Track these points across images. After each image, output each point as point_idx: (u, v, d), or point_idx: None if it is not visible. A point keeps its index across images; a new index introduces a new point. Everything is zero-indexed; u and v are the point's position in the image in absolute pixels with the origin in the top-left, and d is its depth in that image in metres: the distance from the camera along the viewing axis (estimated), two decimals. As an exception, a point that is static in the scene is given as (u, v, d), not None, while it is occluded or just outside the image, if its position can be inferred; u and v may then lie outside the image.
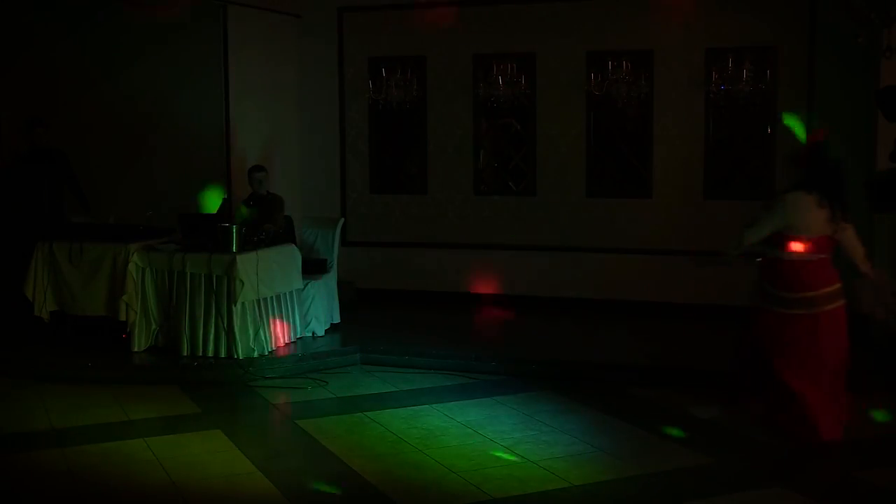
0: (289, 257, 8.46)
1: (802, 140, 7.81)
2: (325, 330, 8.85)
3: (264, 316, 8.07)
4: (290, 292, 8.45)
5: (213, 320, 7.84)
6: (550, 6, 10.06)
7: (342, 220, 9.55)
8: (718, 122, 9.68)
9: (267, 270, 8.02)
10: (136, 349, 8.04)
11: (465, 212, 10.49)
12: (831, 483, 5.56)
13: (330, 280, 9.03)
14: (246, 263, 7.78)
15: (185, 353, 7.91)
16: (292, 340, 8.45)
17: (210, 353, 7.85)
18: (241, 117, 10.12)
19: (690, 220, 9.74)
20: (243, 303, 7.79)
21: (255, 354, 7.90)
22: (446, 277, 10.48)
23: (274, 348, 8.17)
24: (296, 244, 8.89)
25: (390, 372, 7.99)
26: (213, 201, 9.57)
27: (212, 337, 7.85)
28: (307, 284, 8.65)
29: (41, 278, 8.24)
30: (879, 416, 6.62)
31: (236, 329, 7.76)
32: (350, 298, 9.90)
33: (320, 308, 8.80)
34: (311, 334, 8.73)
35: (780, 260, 6.12)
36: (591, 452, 5.97)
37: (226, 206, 9.14)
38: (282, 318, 8.32)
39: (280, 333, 8.31)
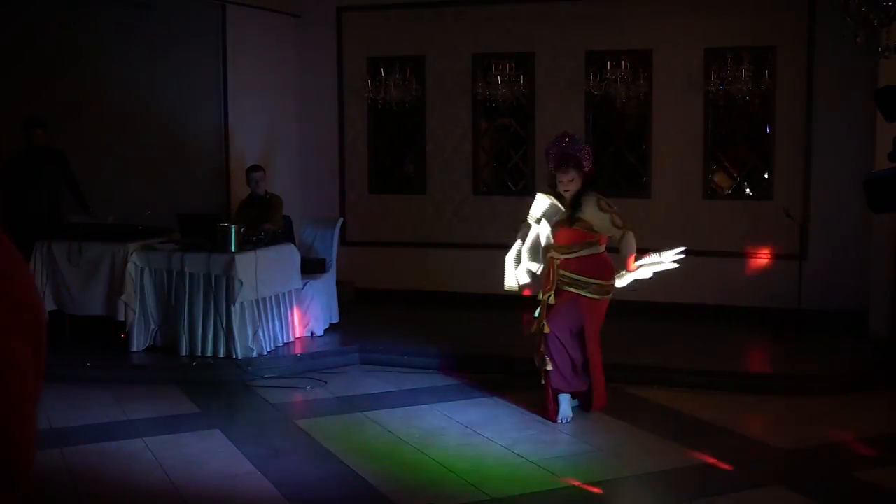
0: (288, 257, 8.45)
1: None
2: (324, 330, 8.85)
3: (263, 316, 8.06)
4: (289, 292, 8.44)
5: (211, 320, 7.83)
6: (549, 6, 10.05)
7: (341, 219, 9.56)
8: (717, 122, 9.68)
9: (266, 270, 8.01)
10: (134, 349, 8.03)
11: (463, 212, 10.49)
12: (831, 483, 5.56)
13: (329, 280, 9.02)
14: (245, 263, 7.77)
15: (184, 353, 7.90)
16: (291, 340, 8.45)
17: (209, 353, 7.85)
18: (239, 117, 10.11)
19: (690, 220, 9.74)
20: (242, 302, 7.78)
21: (254, 354, 7.89)
22: (445, 277, 10.47)
23: (274, 347, 8.17)
24: (295, 244, 8.88)
25: (389, 371, 7.99)
26: None
27: (210, 337, 7.84)
28: (306, 284, 8.64)
29: (40, 278, 8.23)
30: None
31: (235, 329, 7.75)
32: (349, 298, 9.90)
33: (319, 308, 8.79)
34: (310, 334, 8.73)
35: None
36: (590, 452, 5.97)
37: None
38: (280, 318, 8.33)
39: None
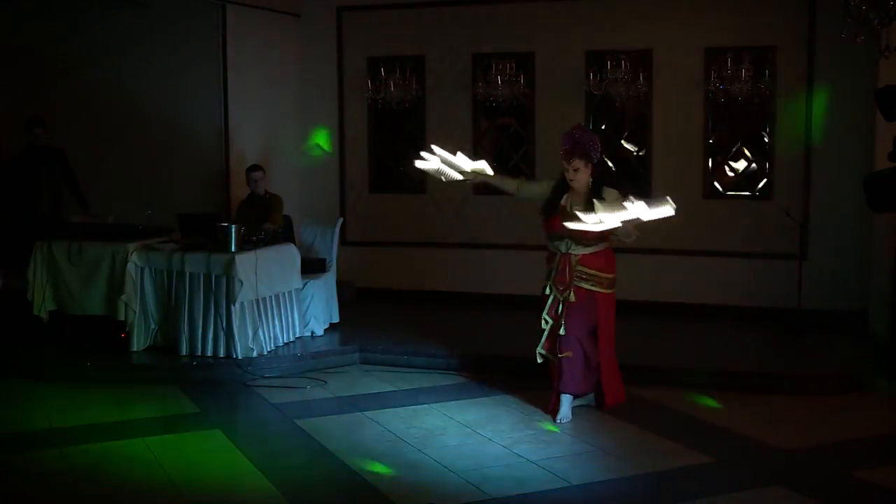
0: (288, 257, 8.45)
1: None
2: (324, 329, 8.85)
3: (263, 316, 8.06)
4: (289, 292, 8.44)
5: (211, 320, 7.83)
6: (549, 5, 10.05)
7: (341, 219, 9.56)
8: (717, 121, 9.68)
9: (266, 270, 8.01)
10: (135, 349, 8.03)
11: (463, 211, 10.49)
12: (831, 483, 5.56)
13: (329, 279, 9.02)
14: (245, 263, 7.77)
15: (184, 353, 7.90)
16: (291, 340, 8.45)
17: (209, 353, 7.85)
18: (239, 117, 10.11)
19: (690, 219, 9.73)
20: (242, 302, 7.78)
21: (254, 354, 7.89)
22: (445, 277, 10.48)
23: (274, 347, 8.17)
24: (295, 244, 8.89)
25: (389, 371, 7.99)
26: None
27: (210, 336, 7.84)
28: (306, 284, 8.64)
29: (40, 278, 8.24)
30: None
31: (235, 329, 7.75)
32: (349, 298, 9.90)
33: (319, 307, 8.80)
34: (310, 334, 8.72)
35: None
36: (590, 452, 5.97)
37: None
38: (280, 318, 8.33)
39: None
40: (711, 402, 7.03)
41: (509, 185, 6.96)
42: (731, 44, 9.44)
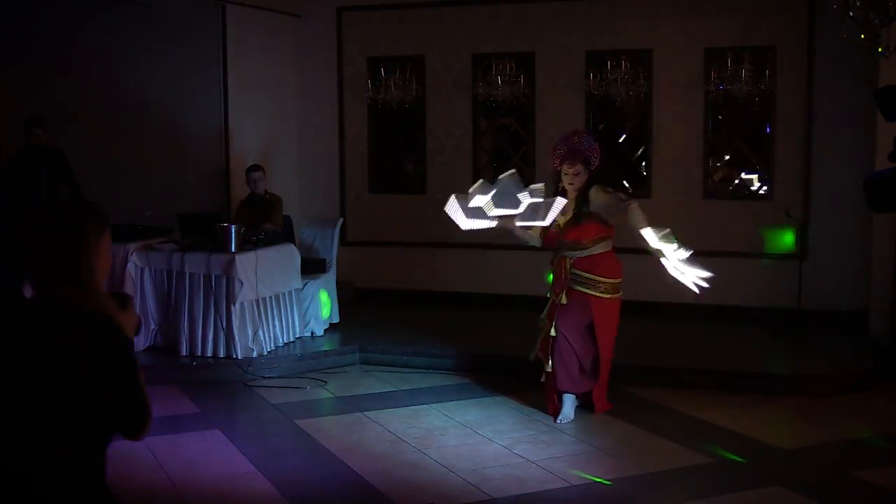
0: (288, 257, 8.45)
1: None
2: (324, 330, 8.85)
3: (263, 316, 8.06)
4: (289, 292, 8.44)
5: (211, 320, 7.83)
6: (549, 6, 10.05)
7: (341, 219, 9.56)
8: (717, 121, 9.68)
9: (266, 270, 8.01)
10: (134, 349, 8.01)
11: (463, 211, 10.47)
12: (831, 483, 5.56)
13: (329, 280, 9.02)
14: (245, 263, 7.77)
15: (184, 353, 7.91)
16: (291, 340, 8.45)
17: (209, 353, 7.85)
18: (239, 117, 10.11)
19: (690, 219, 9.72)
20: (242, 302, 7.78)
21: (254, 354, 7.89)
22: (445, 277, 10.47)
23: (274, 347, 8.17)
24: (295, 244, 8.89)
25: (389, 372, 7.99)
26: None
27: (211, 336, 7.84)
28: (306, 284, 8.64)
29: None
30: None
31: (235, 329, 7.75)
32: (349, 298, 9.90)
33: (319, 308, 8.79)
34: (309, 334, 8.72)
35: None
36: (590, 452, 5.97)
37: None
38: (280, 319, 8.32)
39: None
40: (711, 402, 7.03)
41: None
42: (731, 44, 9.44)
